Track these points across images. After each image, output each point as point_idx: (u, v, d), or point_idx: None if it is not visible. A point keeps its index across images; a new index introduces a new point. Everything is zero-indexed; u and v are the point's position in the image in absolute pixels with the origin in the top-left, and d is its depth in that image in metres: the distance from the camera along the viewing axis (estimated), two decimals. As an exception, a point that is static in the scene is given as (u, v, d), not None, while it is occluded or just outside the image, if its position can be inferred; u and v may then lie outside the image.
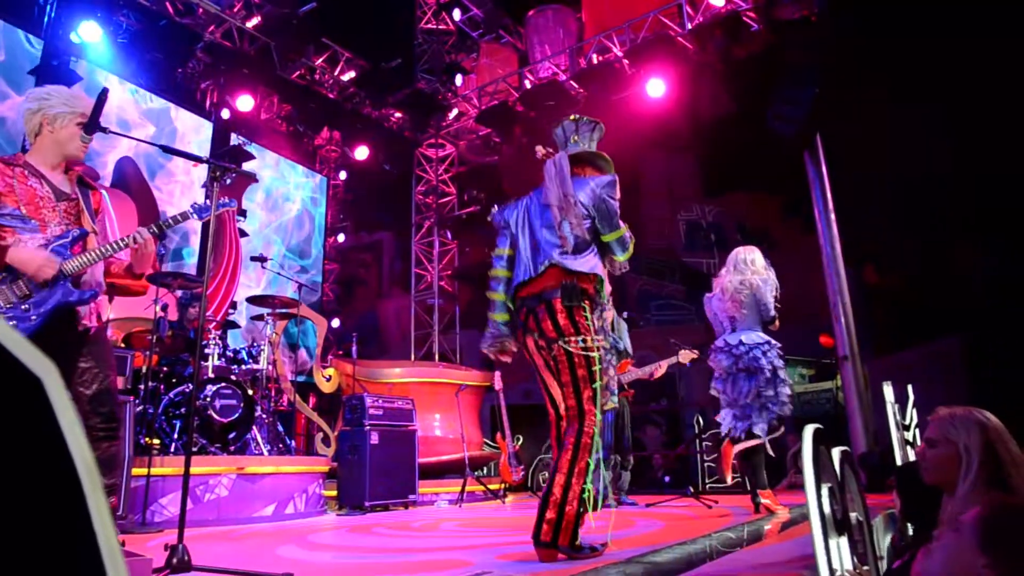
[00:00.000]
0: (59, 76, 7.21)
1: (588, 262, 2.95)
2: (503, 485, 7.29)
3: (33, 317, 2.34)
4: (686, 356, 5.95)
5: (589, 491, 2.76)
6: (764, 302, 4.66)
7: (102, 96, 2.58)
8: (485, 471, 8.20)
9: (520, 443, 8.57)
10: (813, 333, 9.52)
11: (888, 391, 3.73)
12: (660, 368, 5.97)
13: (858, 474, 2.15)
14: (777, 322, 4.71)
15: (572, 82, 9.38)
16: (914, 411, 4.44)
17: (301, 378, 9.07)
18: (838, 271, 7.01)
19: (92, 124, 2.57)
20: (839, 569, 1.71)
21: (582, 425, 2.79)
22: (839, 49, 7.54)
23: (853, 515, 1.93)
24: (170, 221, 2.72)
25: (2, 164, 2.48)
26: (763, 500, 4.54)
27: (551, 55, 9.96)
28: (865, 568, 1.91)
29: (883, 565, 2.15)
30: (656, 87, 8.49)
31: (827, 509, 1.69)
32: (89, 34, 7.28)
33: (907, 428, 4.15)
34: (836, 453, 1.96)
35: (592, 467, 2.77)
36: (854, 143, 8.05)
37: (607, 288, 3.04)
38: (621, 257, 3.08)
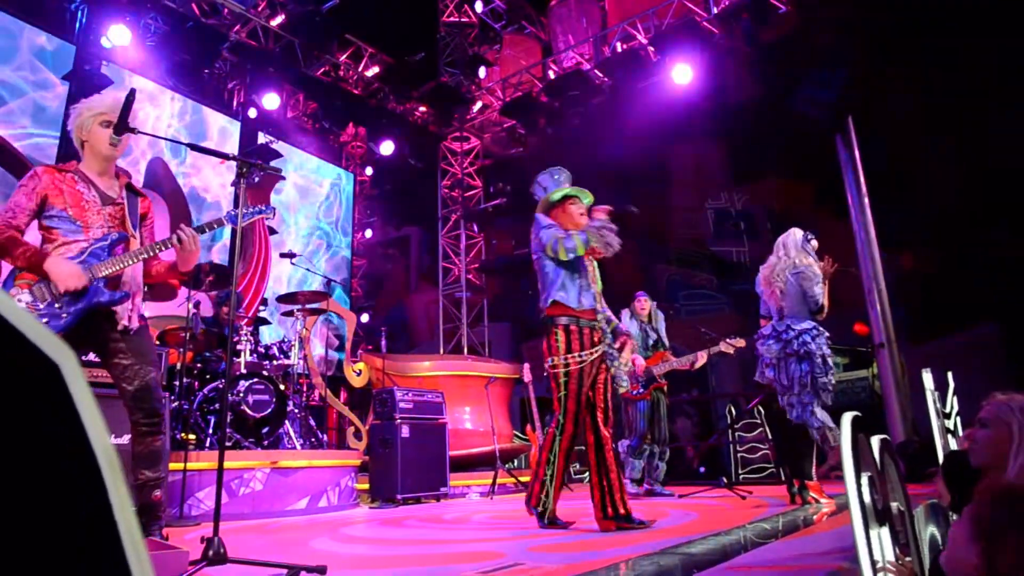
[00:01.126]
0: (91, 80, 7.36)
1: (548, 295, 3.59)
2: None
3: (64, 315, 2.41)
4: (728, 346, 5.78)
5: (550, 475, 3.52)
6: (807, 291, 4.54)
7: (130, 97, 2.62)
8: (516, 463, 8.22)
9: (550, 435, 8.55)
10: (847, 321, 9.33)
11: (928, 378, 3.63)
12: (701, 358, 5.86)
13: (898, 463, 2.09)
14: (825, 311, 4.56)
15: (597, 71, 9.30)
16: (955, 399, 4.32)
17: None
18: (873, 256, 6.86)
19: (121, 125, 2.62)
20: (880, 560, 1.66)
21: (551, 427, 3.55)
22: (869, 28, 7.36)
23: (894, 505, 1.87)
24: (205, 227, 2.76)
25: (55, 169, 2.62)
26: (810, 493, 4.46)
27: (575, 44, 9.88)
28: (907, 559, 1.86)
29: (925, 556, 2.09)
30: (682, 73, 8.37)
31: (867, 499, 1.65)
32: (118, 38, 7.41)
33: (948, 416, 4.04)
34: (875, 441, 1.90)
35: (553, 459, 3.50)
36: (887, 126, 7.86)
37: (578, 295, 3.60)
38: (563, 255, 3.53)
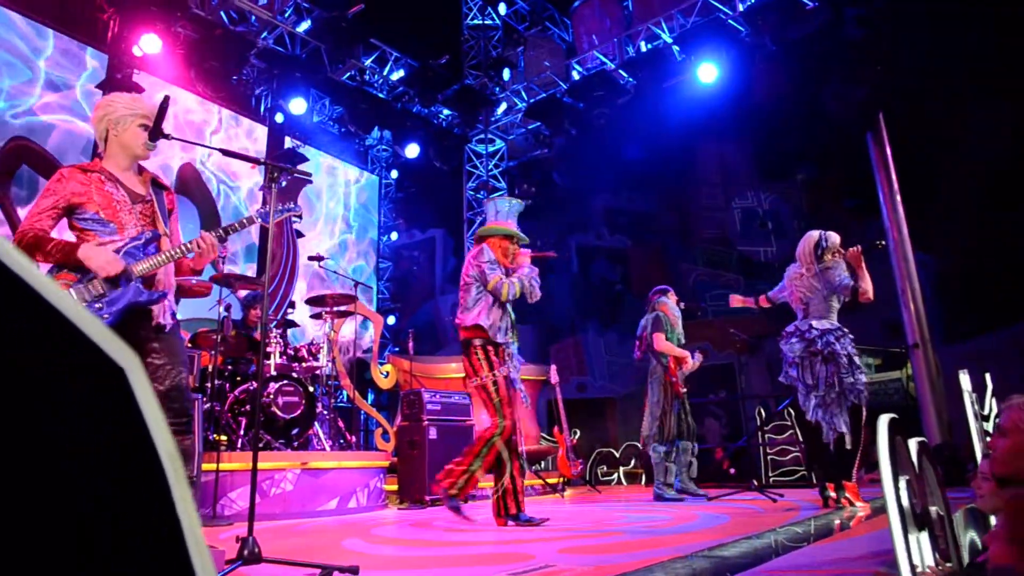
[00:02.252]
0: (123, 89, 7.52)
1: (472, 314, 4.05)
2: (561, 479, 7.27)
3: (106, 315, 2.44)
4: (697, 359, 5.96)
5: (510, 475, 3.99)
6: (832, 281, 4.43)
7: (164, 104, 2.66)
8: (543, 465, 8.20)
9: (577, 437, 8.53)
10: (878, 321, 9.17)
11: (965, 379, 3.55)
12: (693, 365, 5.91)
13: (936, 466, 2.05)
14: (867, 292, 4.40)
15: (621, 71, 9.26)
16: (993, 400, 4.22)
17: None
18: (905, 256, 6.73)
19: (156, 131, 2.66)
20: (920, 565, 1.63)
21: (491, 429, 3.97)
22: (900, 22, 7.21)
23: (933, 509, 1.83)
24: (236, 225, 2.80)
25: (80, 171, 2.59)
26: (846, 494, 4.38)
27: (599, 45, 9.85)
28: (948, 564, 1.81)
29: (966, 561, 2.04)
30: (708, 72, 8.30)
31: (905, 502, 1.61)
32: (149, 46, 7.55)
33: (986, 419, 3.94)
34: (913, 444, 1.86)
35: (500, 455, 3.95)
36: (920, 121, 7.70)
37: (497, 323, 4.06)
38: (503, 298, 4.05)
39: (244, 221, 2.83)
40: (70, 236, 2.59)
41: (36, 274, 0.31)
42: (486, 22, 10.94)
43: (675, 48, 8.70)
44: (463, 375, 8.23)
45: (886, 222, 7.10)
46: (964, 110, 7.75)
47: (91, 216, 2.53)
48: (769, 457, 7.46)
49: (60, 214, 2.53)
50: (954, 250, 8.91)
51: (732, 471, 6.41)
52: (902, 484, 1.63)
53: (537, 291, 4.21)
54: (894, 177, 7.11)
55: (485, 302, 4.07)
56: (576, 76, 9.96)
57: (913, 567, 1.56)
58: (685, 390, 5.81)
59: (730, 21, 8.24)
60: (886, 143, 7.17)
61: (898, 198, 7.01)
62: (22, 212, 6.86)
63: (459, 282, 4.30)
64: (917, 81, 7.67)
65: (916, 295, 6.75)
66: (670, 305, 6.00)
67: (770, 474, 7.39)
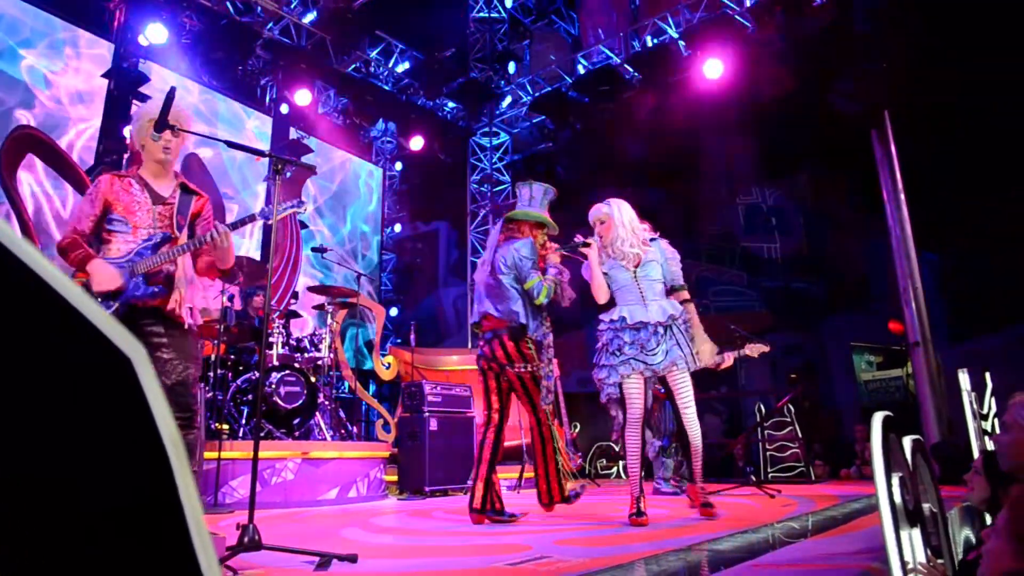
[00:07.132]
0: (128, 78, 7.53)
1: (520, 318, 3.75)
2: (560, 472, 7.28)
3: (111, 308, 2.50)
4: (755, 350, 5.69)
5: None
6: None
7: (169, 95, 2.69)
8: (542, 458, 8.23)
9: (578, 430, 8.56)
10: (881, 319, 9.17)
11: (964, 379, 3.57)
12: (728, 359, 5.73)
13: (931, 464, 2.06)
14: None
15: (627, 66, 9.24)
16: (992, 399, 4.24)
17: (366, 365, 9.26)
18: (908, 253, 6.73)
19: (160, 122, 2.69)
20: (911, 562, 1.65)
21: (540, 426, 3.83)
22: (908, 19, 7.18)
23: (926, 506, 1.85)
24: (238, 224, 2.84)
25: (114, 176, 2.73)
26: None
27: (605, 39, 9.82)
28: (940, 561, 1.83)
29: (959, 558, 2.07)
30: (714, 68, 8.28)
31: (898, 499, 1.63)
32: (155, 36, 7.56)
33: (985, 417, 3.97)
34: (907, 442, 1.88)
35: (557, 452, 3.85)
36: (925, 119, 7.67)
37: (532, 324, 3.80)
38: (537, 300, 3.77)
39: (247, 219, 2.87)
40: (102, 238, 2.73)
41: (50, 269, 0.33)
42: (492, 15, 10.92)
43: (681, 43, 8.68)
44: (464, 367, 8.27)
45: (890, 219, 7.09)
46: (971, 108, 7.73)
47: (117, 217, 2.66)
48: (768, 453, 7.49)
49: (99, 216, 2.66)
50: (959, 249, 8.90)
51: (750, 469, 6.21)
52: (895, 481, 1.65)
53: (569, 291, 3.96)
54: (898, 175, 7.10)
55: (526, 306, 3.78)
56: (581, 70, 9.94)
57: (904, 563, 1.58)
58: (662, 389, 5.72)
59: (737, 17, 8.21)
60: (891, 140, 7.16)
61: (902, 196, 7.00)
62: (24, 193, 6.89)
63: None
64: (923, 78, 7.64)
65: (918, 293, 6.75)
66: None
67: (769, 470, 7.42)
